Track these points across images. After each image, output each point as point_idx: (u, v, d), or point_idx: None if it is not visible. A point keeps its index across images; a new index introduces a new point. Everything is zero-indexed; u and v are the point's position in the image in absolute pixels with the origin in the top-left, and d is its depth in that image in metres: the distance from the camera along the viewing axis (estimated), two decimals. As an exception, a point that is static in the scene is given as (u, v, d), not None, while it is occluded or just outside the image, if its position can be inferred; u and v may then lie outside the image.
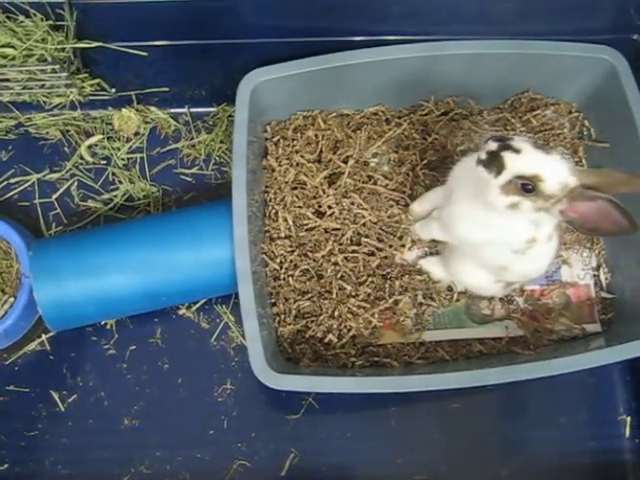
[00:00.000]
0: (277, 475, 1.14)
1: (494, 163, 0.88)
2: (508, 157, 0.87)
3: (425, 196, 1.14)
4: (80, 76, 1.22)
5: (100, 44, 1.17)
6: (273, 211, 1.16)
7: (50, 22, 1.13)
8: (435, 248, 1.18)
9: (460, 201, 0.99)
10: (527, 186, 0.87)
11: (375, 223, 1.16)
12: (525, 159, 0.87)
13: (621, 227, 0.87)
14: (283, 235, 1.15)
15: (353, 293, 1.13)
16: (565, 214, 0.89)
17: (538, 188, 0.87)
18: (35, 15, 1.12)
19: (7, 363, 1.18)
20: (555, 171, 0.87)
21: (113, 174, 1.28)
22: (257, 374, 0.99)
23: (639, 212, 0.85)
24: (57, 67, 1.11)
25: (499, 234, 0.97)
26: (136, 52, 1.19)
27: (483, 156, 0.89)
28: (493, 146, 0.88)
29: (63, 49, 1.14)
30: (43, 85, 1.21)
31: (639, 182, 0.89)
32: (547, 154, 0.88)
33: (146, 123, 1.30)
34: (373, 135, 1.22)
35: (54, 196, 1.27)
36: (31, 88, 1.21)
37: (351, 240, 1.16)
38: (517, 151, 0.87)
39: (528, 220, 0.94)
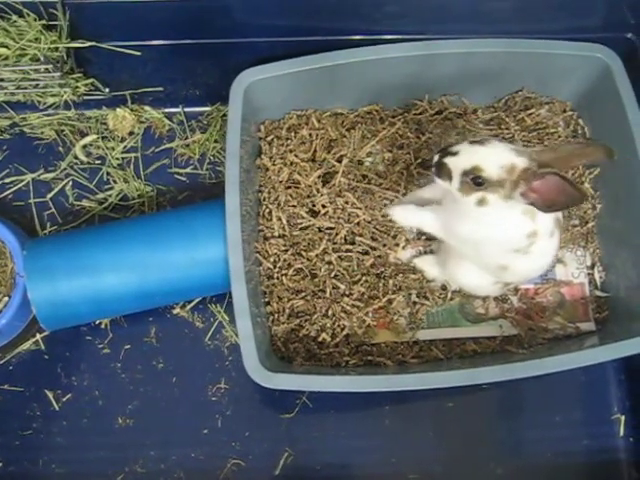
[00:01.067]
0: (271, 474, 1.14)
1: (443, 171, 0.95)
2: (449, 161, 0.94)
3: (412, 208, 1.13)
4: (74, 76, 1.23)
5: (93, 44, 1.18)
6: (267, 210, 1.16)
7: (43, 22, 1.13)
8: (429, 247, 1.18)
9: (460, 210, 1.00)
10: (477, 180, 0.92)
11: (369, 222, 1.16)
12: (463, 156, 0.93)
13: (573, 198, 0.89)
14: (277, 234, 1.15)
15: (347, 292, 1.13)
16: (526, 196, 0.92)
17: (483, 177, 0.91)
18: (28, 15, 1.13)
19: (1, 362, 1.19)
20: (492, 157, 0.92)
21: (108, 174, 1.28)
22: (250, 373, 0.99)
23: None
24: (50, 67, 1.11)
25: (499, 230, 0.98)
26: (130, 52, 1.19)
27: (433, 169, 0.96)
28: (436, 157, 0.96)
29: (56, 49, 1.14)
30: (37, 85, 1.21)
31: (592, 150, 0.93)
32: (483, 145, 0.93)
33: (140, 123, 1.31)
34: (367, 134, 1.22)
35: (49, 196, 1.27)
36: (25, 88, 1.21)
37: (345, 239, 1.16)
38: (455, 153, 0.94)
39: (520, 212, 0.95)
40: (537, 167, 0.90)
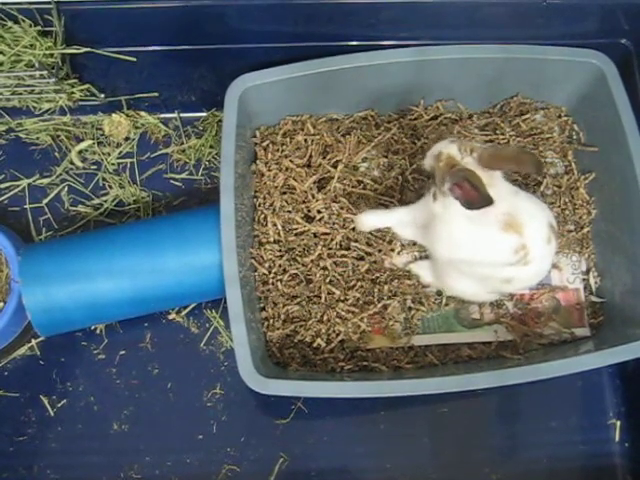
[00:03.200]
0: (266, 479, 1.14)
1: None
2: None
3: (379, 213, 1.14)
4: (69, 81, 1.23)
5: (89, 49, 1.18)
6: (262, 216, 1.16)
7: (39, 28, 1.13)
8: (425, 252, 1.18)
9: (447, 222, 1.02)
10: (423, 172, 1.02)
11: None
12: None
13: (479, 201, 0.91)
14: (272, 240, 1.15)
15: (342, 298, 1.13)
16: (453, 191, 0.94)
17: (423, 168, 1.03)
18: (24, 21, 1.13)
19: (-3, 368, 1.19)
20: (432, 149, 1.01)
21: (103, 179, 1.28)
22: (244, 378, 0.99)
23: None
24: (45, 73, 1.11)
25: (481, 250, 1.00)
26: (125, 57, 1.20)
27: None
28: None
29: (52, 55, 1.14)
30: (32, 90, 1.21)
31: (525, 159, 0.94)
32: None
33: (136, 128, 1.31)
34: (362, 140, 1.22)
35: (44, 201, 1.27)
36: (20, 93, 1.22)
37: (340, 245, 1.16)
38: None
39: (498, 229, 0.97)
40: (474, 163, 0.94)
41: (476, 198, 0.91)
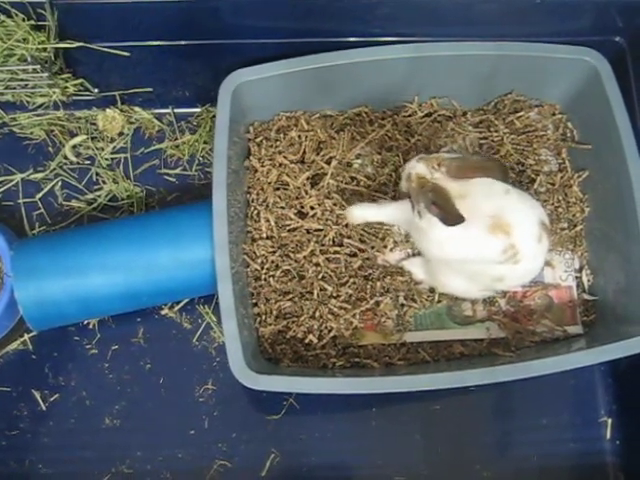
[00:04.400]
0: (257, 475, 1.14)
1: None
2: None
3: (370, 206, 1.14)
4: (63, 76, 1.23)
5: (82, 44, 1.18)
6: (255, 212, 1.16)
7: (32, 22, 1.13)
8: (417, 249, 1.18)
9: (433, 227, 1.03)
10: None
11: (357, 224, 1.16)
12: None
13: (453, 219, 0.94)
14: (265, 236, 1.15)
15: (334, 294, 1.13)
16: (431, 210, 0.96)
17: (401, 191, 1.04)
18: (16, 15, 1.13)
19: (-11, 362, 1.19)
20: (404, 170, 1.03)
21: (97, 174, 1.28)
22: (236, 374, 0.99)
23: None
24: (38, 67, 1.11)
25: (466, 251, 1.00)
26: (119, 52, 1.19)
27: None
28: None
29: (45, 49, 1.14)
30: (26, 85, 1.21)
31: (491, 165, 0.99)
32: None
33: (130, 123, 1.30)
34: (356, 136, 1.22)
35: (38, 196, 1.27)
36: (14, 88, 1.21)
37: (333, 241, 1.16)
38: None
39: (485, 231, 0.97)
40: (444, 177, 0.97)
41: (447, 217, 0.93)
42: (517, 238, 0.98)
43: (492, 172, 0.98)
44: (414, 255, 1.17)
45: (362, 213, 1.13)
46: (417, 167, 0.99)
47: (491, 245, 0.98)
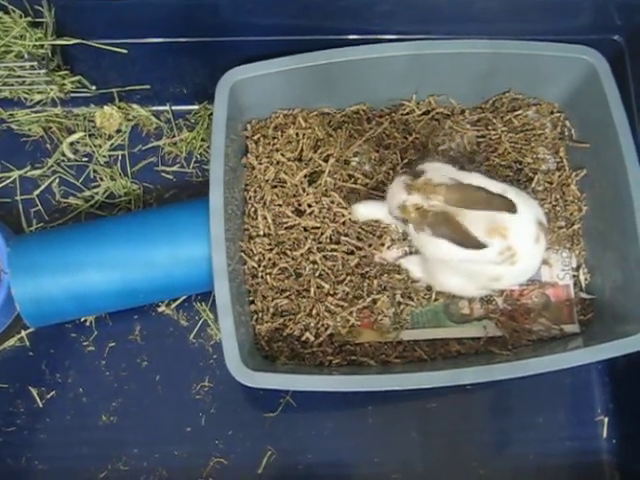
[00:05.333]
0: (254, 473, 1.14)
1: None
2: None
3: (374, 203, 1.14)
4: (60, 73, 1.23)
5: (79, 41, 1.17)
6: (252, 209, 1.16)
7: (29, 19, 1.13)
8: (415, 247, 1.17)
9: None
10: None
11: (355, 222, 1.16)
12: None
13: (474, 245, 0.95)
14: (262, 233, 1.15)
15: (331, 292, 1.13)
16: (437, 234, 0.96)
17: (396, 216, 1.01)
18: (14, 11, 1.12)
19: (-14, 359, 1.19)
20: (391, 197, 1.00)
21: (94, 171, 1.28)
22: (232, 371, 0.99)
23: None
24: (35, 64, 1.11)
25: (462, 254, 0.98)
26: (117, 50, 1.19)
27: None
28: None
29: (42, 46, 1.14)
30: (23, 82, 1.21)
31: (499, 203, 0.95)
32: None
33: (128, 120, 1.30)
34: (354, 134, 1.22)
35: (35, 193, 1.27)
36: (11, 85, 1.21)
37: (330, 239, 1.16)
38: None
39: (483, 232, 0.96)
40: (442, 204, 0.95)
41: (466, 244, 0.94)
42: (514, 240, 0.98)
43: (497, 207, 0.95)
44: (411, 253, 1.17)
45: (367, 211, 1.13)
46: (411, 199, 0.96)
47: (488, 248, 0.98)
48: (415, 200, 0.96)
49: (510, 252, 0.99)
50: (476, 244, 0.94)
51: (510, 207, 0.95)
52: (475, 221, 0.95)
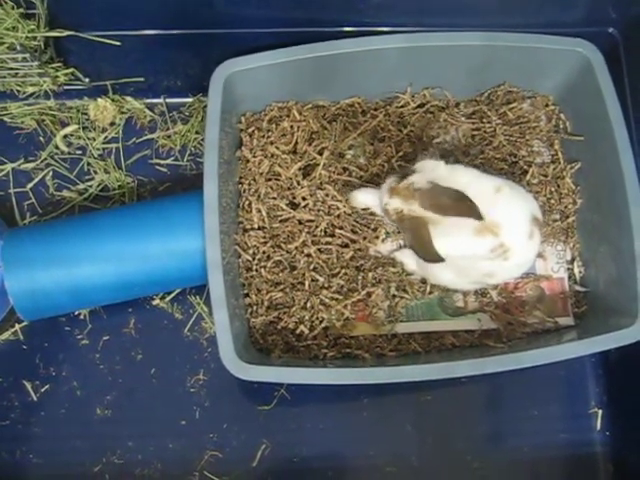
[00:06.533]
0: (248, 466, 1.14)
1: None
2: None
3: (372, 192, 1.13)
4: (53, 65, 1.21)
5: (72, 33, 1.16)
6: (247, 202, 1.16)
7: (21, 10, 1.12)
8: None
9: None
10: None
11: (349, 215, 1.16)
12: None
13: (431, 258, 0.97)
14: (256, 226, 1.15)
15: (326, 285, 1.13)
16: (412, 249, 1.00)
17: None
18: (6, 2, 1.11)
19: (-21, 353, 1.18)
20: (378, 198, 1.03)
21: (88, 164, 1.28)
22: (226, 364, 0.99)
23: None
24: (28, 56, 1.11)
25: (454, 250, 0.99)
26: (110, 42, 1.18)
27: None
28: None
29: (34, 38, 1.13)
30: (16, 74, 1.20)
31: (464, 207, 0.95)
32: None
33: (122, 113, 1.30)
34: (349, 127, 1.21)
35: (29, 186, 1.26)
36: (4, 77, 1.20)
37: (325, 232, 1.15)
38: None
39: (471, 234, 0.97)
40: (417, 208, 0.96)
41: (425, 257, 0.97)
42: (506, 237, 0.98)
43: (464, 213, 0.95)
44: (406, 246, 1.17)
45: (364, 198, 1.13)
46: (392, 203, 0.97)
47: (479, 245, 0.98)
48: (396, 204, 0.97)
49: (503, 249, 0.99)
50: (435, 257, 0.95)
51: (476, 214, 0.95)
52: (459, 223, 0.96)
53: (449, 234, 0.97)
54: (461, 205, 0.95)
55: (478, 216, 0.95)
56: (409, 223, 0.96)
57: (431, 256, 0.96)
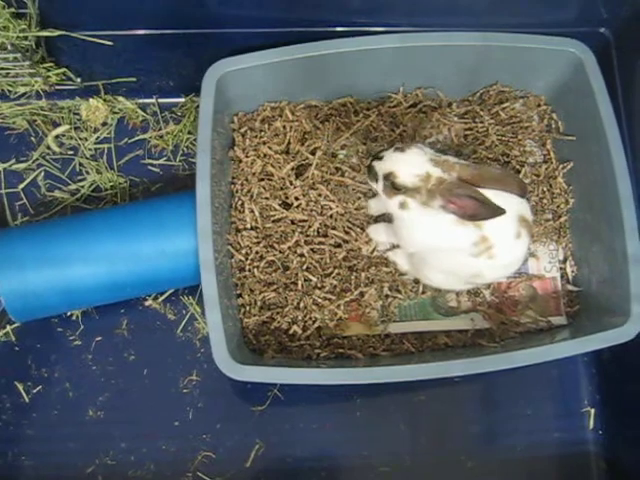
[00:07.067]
0: (242, 466, 1.14)
1: (372, 173, 1.02)
2: (376, 164, 1.00)
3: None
4: (45, 65, 1.21)
5: (64, 33, 1.16)
6: (239, 202, 1.16)
7: (12, 10, 1.11)
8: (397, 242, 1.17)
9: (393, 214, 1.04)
10: (394, 184, 0.98)
11: (342, 215, 1.16)
12: (384, 162, 0.99)
13: (492, 212, 0.93)
14: (249, 226, 1.14)
15: (319, 285, 1.13)
16: (446, 208, 0.96)
17: (397, 183, 0.97)
18: (-3, 2, 1.11)
19: (-29, 354, 1.18)
20: (407, 165, 0.97)
21: (80, 164, 1.27)
22: (219, 365, 0.99)
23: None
24: (19, 56, 1.10)
25: (438, 239, 1.01)
26: (102, 42, 1.18)
27: (366, 171, 1.03)
28: (369, 160, 1.03)
29: (26, 37, 1.12)
30: (7, 74, 1.20)
31: (510, 181, 0.97)
32: (402, 152, 0.98)
33: (114, 113, 1.29)
34: (341, 127, 1.21)
35: (20, 186, 1.26)
36: (-5, 77, 1.20)
37: (318, 232, 1.15)
38: (380, 158, 0.99)
39: (451, 222, 0.97)
40: (456, 180, 0.95)
41: (483, 211, 0.93)
42: (489, 231, 0.98)
43: (510, 186, 0.97)
44: (399, 246, 1.17)
45: (380, 205, 1.14)
46: (436, 171, 0.96)
47: (460, 236, 0.99)
48: (438, 173, 0.96)
49: (486, 244, 0.99)
50: (498, 210, 0.93)
51: (522, 187, 0.97)
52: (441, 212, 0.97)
53: (428, 221, 0.99)
54: (508, 178, 0.97)
55: (523, 192, 0.97)
56: (460, 189, 0.94)
57: (494, 209, 0.93)
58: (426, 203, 0.97)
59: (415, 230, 1.02)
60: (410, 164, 0.97)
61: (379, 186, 1.00)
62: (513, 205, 1.00)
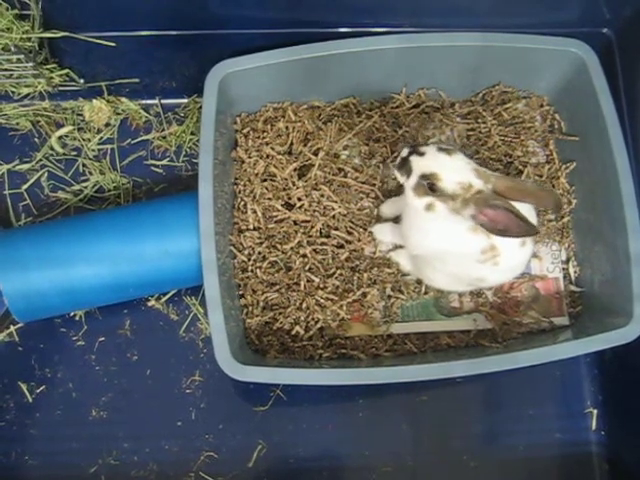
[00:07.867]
0: (244, 466, 1.14)
1: (405, 167, 0.97)
2: (414, 160, 0.95)
3: (392, 200, 1.16)
4: (48, 66, 1.22)
5: (67, 34, 1.17)
6: (242, 203, 1.16)
7: (15, 11, 1.12)
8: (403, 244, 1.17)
9: (411, 213, 1.03)
10: (432, 186, 0.94)
11: (345, 215, 1.16)
12: (426, 160, 0.94)
13: (525, 231, 0.91)
14: (252, 227, 1.15)
15: (321, 285, 1.13)
16: (477, 218, 0.93)
17: (438, 186, 0.93)
18: (0, 4, 1.11)
19: (-25, 355, 1.18)
20: (453, 171, 0.93)
21: (83, 165, 1.28)
22: (221, 365, 0.99)
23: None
24: (22, 57, 1.10)
25: (449, 244, 1.00)
26: (105, 43, 1.19)
27: (397, 162, 0.98)
28: (404, 152, 0.97)
29: (29, 39, 1.13)
30: (11, 75, 1.20)
31: (545, 195, 0.95)
32: (449, 155, 0.93)
33: (117, 114, 1.30)
34: (344, 127, 1.22)
35: (24, 187, 1.26)
36: (-2, 78, 1.21)
37: (320, 232, 1.16)
38: (421, 154, 0.95)
39: (466, 229, 0.96)
40: (491, 192, 0.92)
41: (515, 227, 0.91)
42: (498, 241, 0.98)
43: (544, 202, 0.96)
44: (401, 247, 1.17)
45: (391, 209, 1.15)
46: (478, 183, 0.93)
47: (471, 243, 0.98)
48: (479, 185, 0.93)
49: (493, 252, 0.99)
50: (533, 229, 0.92)
51: (557, 203, 0.95)
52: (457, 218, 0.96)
53: (445, 227, 0.97)
54: (543, 193, 0.95)
55: (558, 208, 0.96)
56: (498, 201, 0.92)
57: (527, 227, 0.91)
58: (457, 210, 0.94)
59: (429, 233, 1.00)
60: (455, 171, 0.93)
61: (410, 182, 0.96)
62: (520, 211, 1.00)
